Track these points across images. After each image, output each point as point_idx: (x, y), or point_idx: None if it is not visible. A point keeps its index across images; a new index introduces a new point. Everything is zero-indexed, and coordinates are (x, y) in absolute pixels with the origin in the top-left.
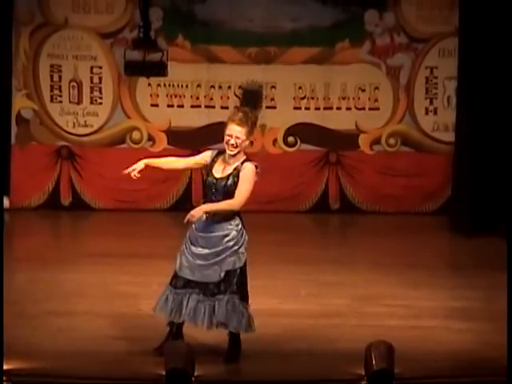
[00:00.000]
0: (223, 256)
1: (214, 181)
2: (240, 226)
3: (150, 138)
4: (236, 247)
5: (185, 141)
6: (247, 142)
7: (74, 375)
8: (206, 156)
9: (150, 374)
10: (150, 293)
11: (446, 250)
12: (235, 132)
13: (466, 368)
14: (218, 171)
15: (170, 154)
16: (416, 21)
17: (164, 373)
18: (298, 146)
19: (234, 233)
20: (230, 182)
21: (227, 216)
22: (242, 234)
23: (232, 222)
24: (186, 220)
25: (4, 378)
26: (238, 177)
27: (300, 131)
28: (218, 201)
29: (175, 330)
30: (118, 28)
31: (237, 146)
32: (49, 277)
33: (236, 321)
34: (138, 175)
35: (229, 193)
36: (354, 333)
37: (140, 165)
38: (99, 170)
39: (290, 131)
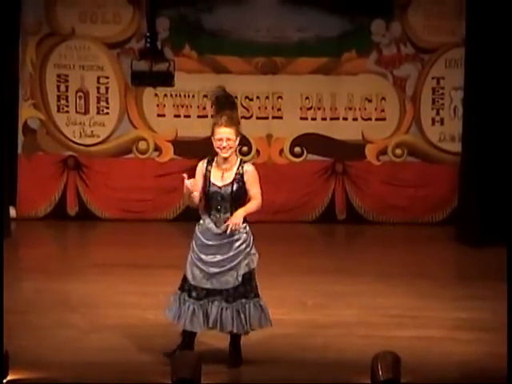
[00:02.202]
0: (238, 260)
1: (218, 189)
2: (248, 228)
3: (157, 148)
4: (248, 249)
5: (191, 151)
6: (237, 142)
7: None
8: (200, 170)
9: None
10: (156, 303)
11: (453, 260)
12: (225, 134)
13: (473, 378)
14: (218, 179)
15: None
16: (423, 31)
17: (171, 382)
18: (304, 156)
19: (244, 235)
20: (235, 187)
21: None
22: (250, 235)
23: (241, 225)
24: (229, 230)
25: None
26: (242, 181)
27: (306, 141)
28: (225, 208)
29: (188, 339)
30: (125, 38)
31: (230, 148)
32: (55, 287)
33: (263, 319)
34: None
35: (237, 198)
36: (360, 343)
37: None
38: (106, 180)
39: (296, 141)
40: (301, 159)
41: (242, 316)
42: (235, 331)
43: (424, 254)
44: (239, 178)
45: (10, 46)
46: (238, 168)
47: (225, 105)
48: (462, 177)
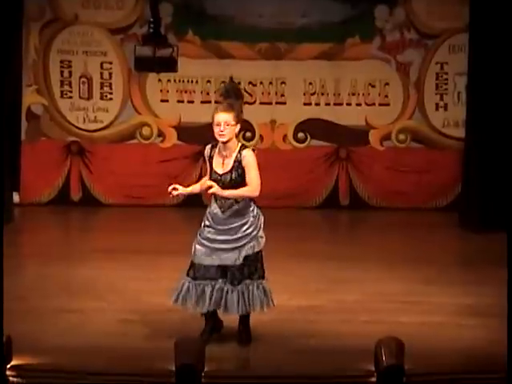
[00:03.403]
0: (243, 242)
1: (219, 177)
2: (256, 211)
3: (160, 134)
4: (255, 232)
5: (195, 136)
6: (237, 128)
7: (83, 370)
8: (206, 156)
9: (160, 370)
10: (159, 288)
11: (456, 246)
12: (223, 118)
13: (477, 364)
14: (219, 166)
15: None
16: (426, 17)
17: (174, 368)
18: (308, 141)
19: (251, 219)
20: (234, 175)
21: (243, 206)
22: (259, 218)
23: (248, 209)
24: (205, 187)
25: (13, 374)
26: (241, 168)
27: (310, 127)
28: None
29: (211, 319)
30: (129, 24)
31: (228, 133)
32: (58, 272)
33: (265, 301)
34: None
35: (237, 185)
36: (364, 329)
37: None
38: (109, 166)
39: (300, 127)
40: (304, 145)
41: (246, 297)
42: (240, 313)
43: (427, 239)
44: (238, 165)
45: (14, 31)
46: (237, 155)
47: (230, 93)
48: (466, 163)
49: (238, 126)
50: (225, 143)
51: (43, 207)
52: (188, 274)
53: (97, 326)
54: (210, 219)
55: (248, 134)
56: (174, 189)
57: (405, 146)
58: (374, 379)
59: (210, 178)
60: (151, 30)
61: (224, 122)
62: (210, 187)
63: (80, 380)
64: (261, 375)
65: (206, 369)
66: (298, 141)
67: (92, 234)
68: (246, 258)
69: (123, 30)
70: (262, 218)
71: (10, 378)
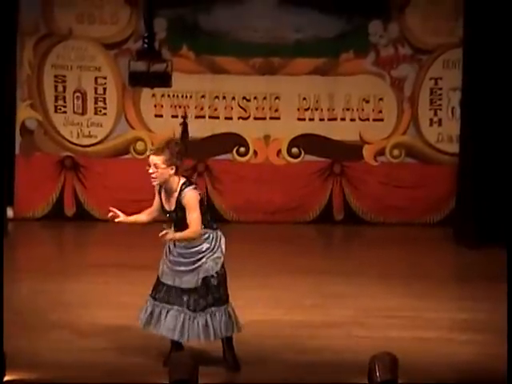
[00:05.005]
0: (199, 264)
1: (168, 214)
2: (209, 235)
3: None
4: (210, 254)
5: (189, 151)
6: (170, 170)
7: None
8: (156, 190)
9: None
10: None
11: (450, 261)
12: (152, 161)
13: (470, 380)
14: (166, 203)
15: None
16: (420, 32)
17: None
18: (302, 157)
19: (205, 245)
20: (179, 214)
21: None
22: (216, 240)
23: (200, 238)
24: (160, 235)
25: None
26: (182, 207)
27: (304, 142)
28: (180, 229)
29: (176, 342)
30: (123, 39)
31: (159, 175)
32: (52, 287)
33: (230, 325)
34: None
35: (184, 223)
36: (358, 344)
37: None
38: (103, 181)
39: (294, 142)
40: (298, 160)
41: (210, 325)
42: (203, 340)
43: (421, 254)
44: (179, 206)
45: (8, 46)
46: (180, 193)
47: (170, 143)
48: (460, 178)
49: (174, 169)
50: (163, 184)
51: (37, 222)
52: (151, 294)
53: (91, 341)
54: (167, 248)
55: (242, 149)
56: (115, 215)
57: (399, 161)
58: None
59: (163, 213)
60: (145, 45)
61: (154, 165)
62: (166, 234)
63: None
64: None
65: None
66: (292, 156)
67: (86, 248)
68: (208, 283)
69: (117, 45)
70: (221, 240)
71: None
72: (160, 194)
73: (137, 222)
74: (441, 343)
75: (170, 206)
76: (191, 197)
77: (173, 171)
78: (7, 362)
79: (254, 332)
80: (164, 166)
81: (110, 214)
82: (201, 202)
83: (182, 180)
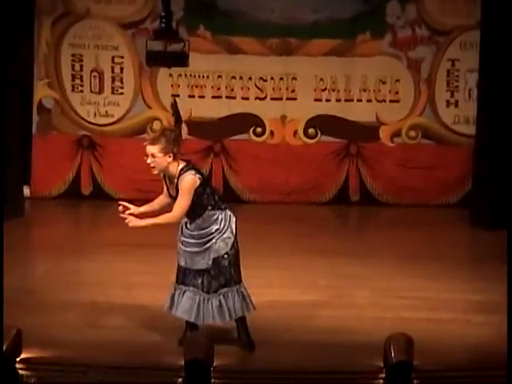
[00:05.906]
0: (209, 244)
1: (174, 199)
2: (217, 216)
3: None
4: (219, 235)
5: (205, 131)
6: (168, 158)
7: (92, 364)
8: (162, 176)
9: (169, 365)
10: (168, 283)
11: (466, 242)
12: (149, 151)
13: (485, 361)
14: (171, 189)
15: (190, 145)
16: (438, 13)
17: (183, 363)
18: (318, 137)
19: (215, 227)
20: None
21: (207, 217)
22: (226, 220)
23: (212, 218)
24: (127, 221)
25: (23, 367)
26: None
27: (320, 123)
28: (187, 215)
29: (191, 322)
30: (140, 18)
31: (155, 166)
32: (68, 266)
33: (244, 305)
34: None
35: (189, 208)
36: (373, 325)
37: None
38: (120, 160)
39: (310, 123)
40: (315, 140)
41: (224, 306)
42: (218, 322)
43: (437, 236)
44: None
45: (26, 25)
46: (178, 179)
47: (166, 131)
48: (476, 159)
49: (171, 156)
50: (163, 172)
51: (53, 201)
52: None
53: (106, 321)
54: (180, 229)
55: (258, 130)
56: (125, 208)
57: (415, 142)
58: (383, 375)
59: (170, 198)
60: (163, 25)
61: (151, 155)
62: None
63: (89, 373)
64: (269, 370)
65: (214, 363)
66: (308, 136)
67: (102, 227)
68: (219, 264)
69: (135, 25)
70: (231, 219)
71: (20, 371)
72: (165, 180)
73: (148, 212)
74: (455, 324)
75: (174, 192)
76: (185, 182)
77: (170, 158)
78: (23, 340)
79: (268, 312)
80: (161, 154)
81: (120, 208)
82: (203, 183)
83: (182, 165)
